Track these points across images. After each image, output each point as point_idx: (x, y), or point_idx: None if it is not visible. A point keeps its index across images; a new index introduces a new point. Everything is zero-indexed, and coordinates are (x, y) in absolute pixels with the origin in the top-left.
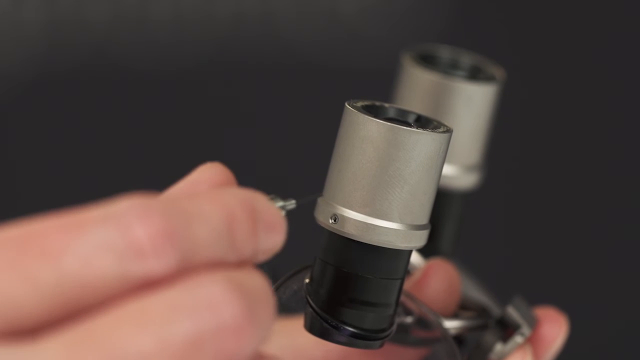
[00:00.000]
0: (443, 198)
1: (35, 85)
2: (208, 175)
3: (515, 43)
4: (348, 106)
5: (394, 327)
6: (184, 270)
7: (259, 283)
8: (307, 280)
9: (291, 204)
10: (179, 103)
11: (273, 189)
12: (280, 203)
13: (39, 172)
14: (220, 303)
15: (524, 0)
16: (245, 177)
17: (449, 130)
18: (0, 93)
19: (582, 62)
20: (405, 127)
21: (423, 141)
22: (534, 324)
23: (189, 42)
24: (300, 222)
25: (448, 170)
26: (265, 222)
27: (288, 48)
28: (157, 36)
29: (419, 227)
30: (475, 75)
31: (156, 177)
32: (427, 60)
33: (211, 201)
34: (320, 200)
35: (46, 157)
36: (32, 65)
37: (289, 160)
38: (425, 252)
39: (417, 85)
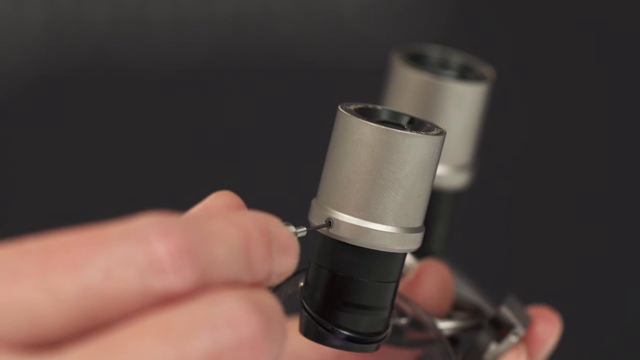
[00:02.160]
0: (434, 198)
1: (35, 85)
2: (221, 201)
3: (515, 43)
4: (341, 109)
5: (389, 330)
6: (202, 287)
7: (273, 302)
8: (301, 284)
9: (302, 231)
10: (179, 103)
11: (273, 189)
12: (292, 229)
13: (39, 172)
14: (239, 319)
15: (523, 0)
16: (245, 177)
17: (442, 133)
18: (0, 93)
19: (581, 61)
20: (399, 130)
21: (417, 144)
22: (527, 323)
23: (189, 42)
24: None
25: (439, 170)
26: (280, 244)
27: (288, 48)
28: (157, 36)
29: (414, 230)
30: (465, 74)
31: (156, 177)
32: (417, 60)
33: (229, 222)
34: (314, 203)
35: (46, 157)
36: (32, 65)
37: (289, 160)
38: (416, 252)
39: (407, 85)
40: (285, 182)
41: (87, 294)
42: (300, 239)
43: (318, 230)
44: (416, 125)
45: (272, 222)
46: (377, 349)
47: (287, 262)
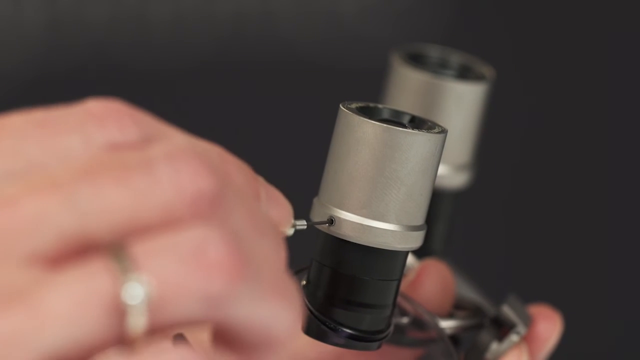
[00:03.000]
0: (434, 197)
1: (35, 85)
2: None
3: (515, 43)
4: (343, 108)
5: (391, 328)
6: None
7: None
8: (303, 282)
9: (302, 224)
10: (179, 103)
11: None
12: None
13: None
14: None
15: (523, 0)
16: None
17: (444, 131)
18: (0, 93)
19: (581, 61)
20: (400, 128)
21: (419, 142)
22: (529, 322)
23: (189, 42)
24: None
25: (439, 169)
26: (268, 192)
27: (288, 48)
28: (157, 36)
29: (416, 228)
30: (465, 74)
31: None
32: (417, 60)
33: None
34: (316, 201)
35: None
36: (32, 65)
37: (290, 159)
38: (416, 251)
39: (406, 85)
40: (286, 182)
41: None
42: (302, 238)
43: (320, 228)
44: (417, 123)
45: (260, 177)
46: (379, 347)
47: (279, 212)
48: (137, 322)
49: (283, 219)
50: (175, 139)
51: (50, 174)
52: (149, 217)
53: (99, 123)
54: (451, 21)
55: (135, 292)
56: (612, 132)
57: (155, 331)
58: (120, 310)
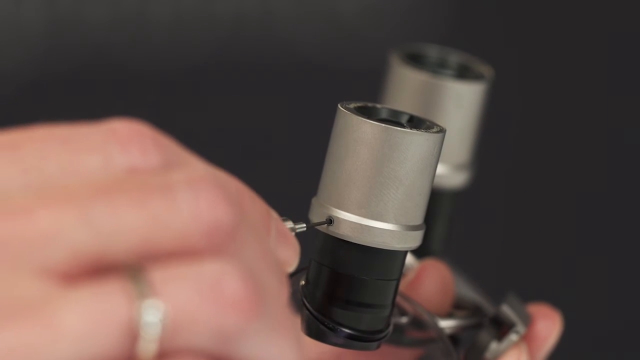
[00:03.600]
0: (433, 197)
1: (35, 85)
2: None
3: (515, 43)
4: (341, 108)
5: (391, 328)
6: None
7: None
8: (302, 282)
9: (301, 227)
10: (179, 103)
11: (273, 188)
12: (291, 225)
13: None
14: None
15: (523, 0)
16: (245, 177)
17: (442, 130)
18: (0, 93)
19: (580, 61)
20: (399, 128)
21: (417, 142)
22: (528, 321)
23: (189, 42)
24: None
25: (438, 169)
26: (279, 230)
27: (288, 48)
28: (157, 36)
29: (414, 228)
30: (464, 74)
31: None
32: (415, 60)
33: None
34: (314, 201)
35: None
36: (32, 65)
37: (289, 159)
38: (415, 251)
39: (405, 84)
40: (285, 182)
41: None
42: (301, 237)
43: (319, 228)
44: (416, 123)
45: (273, 212)
46: (378, 347)
47: (286, 250)
48: (149, 347)
49: (290, 259)
50: (196, 167)
51: (69, 189)
52: (164, 241)
53: (122, 145)
54: (451, 21)
55: (150, 317)
56: (611, 132)
57: (164, 357)
58: (133, 333)
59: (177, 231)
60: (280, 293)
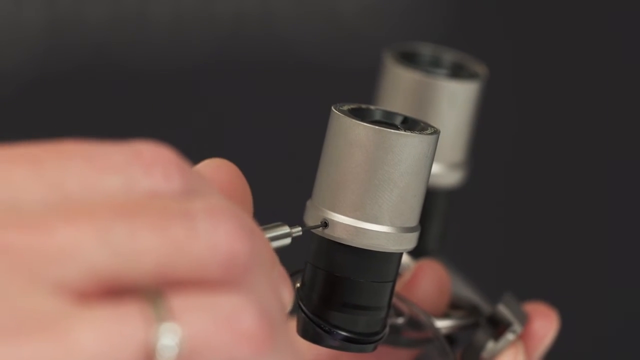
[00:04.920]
0: (428, 196)
1: (35, 85)
2: (213, 173)
3: (514, 42)
4: (334, 110)
5: (387, 330)
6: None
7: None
8: (298, 285)
9: (297, 231)
10: (178, 103)
11: (271, 189)
12: (287, 229)
13: None
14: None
15: (523, 1)
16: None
17: (436, 132)
18: (0, 93)
19: (575, 60)
20: (393, 130)
21: (411, 143)
22: (525, 320)
23: (189, 42)
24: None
25: (433, 168)
26: (280, 271)
27: (288, 48)
28: (157, 36)
29: (410, 230)
30: (458, 72)
31: None
32: (409, 59)
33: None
34: (309, 204)
35: None
36: (32, 65)
37: (289, 160)
38: (411, 251)
39: (399, 84)
40: (284, 182)
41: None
42: (296, 240)
43: (314, 231)
44: (410, 124)
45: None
46: (374, 349)
47: (286, 290)
48: None
49: (289, 299)
50: (215, 197)
51: (89, 207)
52: (180, 267)
53: (146, 168)
54: (450, 21)
55: (168, 342)
56: (607, 130)
57: None
58: (149, 357)
59: (194, 259)
60: (287, 327)
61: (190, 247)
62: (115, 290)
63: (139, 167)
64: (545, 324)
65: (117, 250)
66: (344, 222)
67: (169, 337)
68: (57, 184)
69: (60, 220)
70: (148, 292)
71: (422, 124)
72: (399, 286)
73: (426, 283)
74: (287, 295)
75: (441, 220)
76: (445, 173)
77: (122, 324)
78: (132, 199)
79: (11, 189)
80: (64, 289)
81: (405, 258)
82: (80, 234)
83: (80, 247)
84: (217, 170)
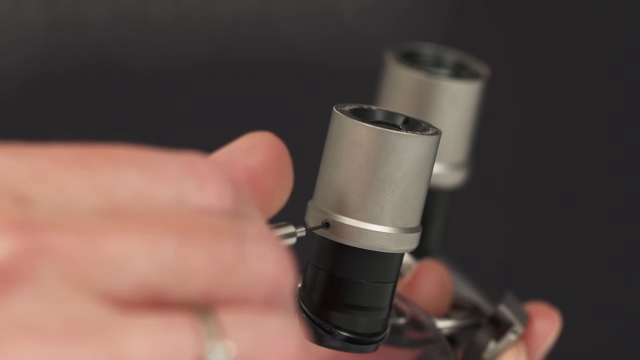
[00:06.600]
0: (430, 196)
1: (35, 85)
2: (259, 143)
3: (516, 42)
4: (336, 111)
5: (388, 330)
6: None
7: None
8: (299, 286)
9: (301, 231)
10: (178, 103)
11: None
12: (292, 229)
13: None
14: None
15: (523, 1)
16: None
17: (438, 132)
18: (0, 93)
19: (575, 59)
20: (394, 131)
21: (413, 144)
22: (526, 321)
23: (189, 42)
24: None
25: (434, 168)
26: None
27: (288, 48)
28: (157, 36)
29: (411, 230)
30: (459, 72)
31: None
32: (410, 59)
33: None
34: (310, 204)
35: None
36: (32, 65)
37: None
38: (413, 251)
39: (401, 84)
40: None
41: None
42: (297, 240)
43: (315, 231)
44: (411, 125)
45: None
46: (375, 349)
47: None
48: None
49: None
50: (261, 221)
51: (141, 218)
52: (225, 289)
53: (200, 184)
54: (451, 21)
55: (219, 357)
56: (607, 130)
57: None
58: None
59: (241, 283)
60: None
61: (238, 271)
62: (159, 303)
63: (192, 181)
64: (546, 324)
65: (166, 266)
66: (345, 222)
67: (220, 354)
68: (108, 190)
69: (112, 229)
70: (198, 307)
71: (423, 125)
72: (400, 286)
73: (427, 283)
74: None
75: (443, 221)
76: (447, 173)
77: (174, 334)
78: (184, 213)
79: (64, 193)
80: (110, 298)
81: (407, 258)
82: (131, 245)
83: (130, 258)
84: (260, 144)
